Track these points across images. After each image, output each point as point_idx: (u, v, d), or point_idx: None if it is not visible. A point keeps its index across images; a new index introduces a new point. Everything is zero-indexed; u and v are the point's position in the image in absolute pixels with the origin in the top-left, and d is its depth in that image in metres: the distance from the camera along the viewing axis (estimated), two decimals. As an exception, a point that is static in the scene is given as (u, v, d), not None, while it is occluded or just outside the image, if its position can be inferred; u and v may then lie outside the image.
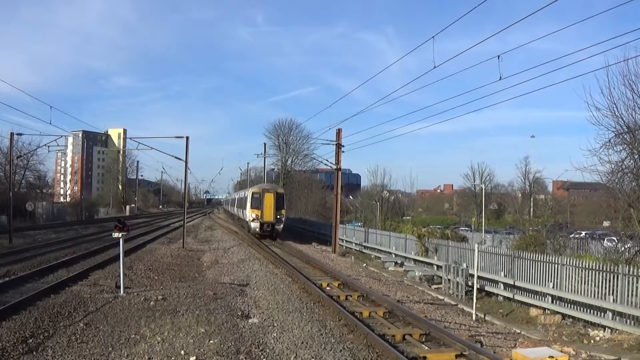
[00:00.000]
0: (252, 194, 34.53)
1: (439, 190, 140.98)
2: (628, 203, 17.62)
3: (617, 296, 13.15)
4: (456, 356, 9.82)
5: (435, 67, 15.66)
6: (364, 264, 26.57)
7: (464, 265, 18.83)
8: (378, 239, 32.31)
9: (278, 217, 34.04)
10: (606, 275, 13.61)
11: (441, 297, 18.07)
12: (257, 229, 33.89)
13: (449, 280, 19.04)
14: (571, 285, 14.73)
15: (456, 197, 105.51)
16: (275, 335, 10.53)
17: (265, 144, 55.17)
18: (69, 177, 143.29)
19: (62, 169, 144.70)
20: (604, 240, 22.88)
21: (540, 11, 13.01)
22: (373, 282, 20.21)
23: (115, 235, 14.86)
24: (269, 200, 33.56)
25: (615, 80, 16.95)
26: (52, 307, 12.19)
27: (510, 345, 11.63)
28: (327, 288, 16.86)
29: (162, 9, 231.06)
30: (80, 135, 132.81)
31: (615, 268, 13.49)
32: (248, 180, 72.14)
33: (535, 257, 16.60)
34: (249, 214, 34.50)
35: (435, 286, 20.19)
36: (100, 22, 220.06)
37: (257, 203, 33.85)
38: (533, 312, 15.23)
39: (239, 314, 12.32)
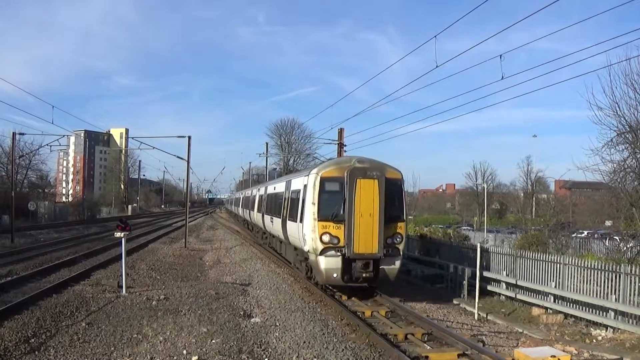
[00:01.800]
0: (322, 180, 14.42)
1: (441, 190, 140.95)
2: (630, 202, 17.59)
3: (619, 295, 13.11)
4: (458, 355, 9.81)
5: (437, 66, 15.55)
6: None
7: (466, 265, 18.80)
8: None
9: (390, 241, 14.33)
10: (608, 274, 13.57)
11: (443, 297, 18.04)
12: (336, 275, 13.97)
13: (450, 279, 19.00)
14: (573, 284, 14.69)
15: (458, 196, 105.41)
16: (277, 334, 10.54)
17: (267, 144, 55.02)
18: (71, 176, 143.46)
19: (64, 169, 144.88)
20: (606, 239, 22.84)
21: (541, 11, 12.98)
22: (375, 281, 20.15)
23: (117, 235, 14.89)
24: (369, 196, 13.87)
25: (617, 79, 16.93)
26: (54, 307, 12.22)
27: (512, 344, 11.61)
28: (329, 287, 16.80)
29: (164, 8, 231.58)
30: (82, 134, 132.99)
31: (618, 267, 13.46)
32: (250, 180, 72.02)
33: (538, 256, 16.57)
34: (311, 233, 14.26)
35: (438, 285, 20.16)
36: (102, 21, 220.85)
37: (334, 206, 14.17)
38: (535, 311, 15.19)
39: (241, 313, 12.34)
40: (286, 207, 18.26)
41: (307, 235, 14.51)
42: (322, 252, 14.08)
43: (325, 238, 14.04)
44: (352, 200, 13.79)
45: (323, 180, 14.45)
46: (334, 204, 14.17)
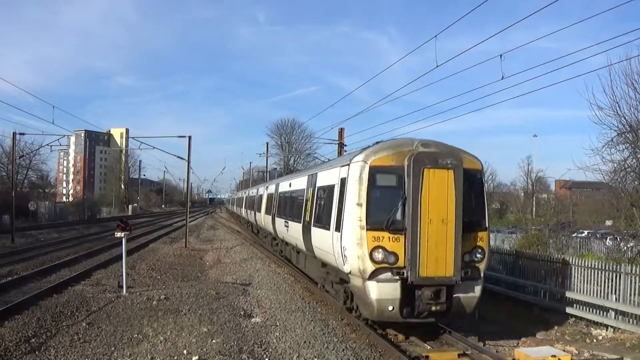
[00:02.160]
0: (372, 172, 10.31)
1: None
2: (630, 202, 17.58)
3: (619, 295, 13.10)
4: (459, 355, 9.82)
5: (437, 66, 15.51)
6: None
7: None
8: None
9: (469, 259, 10.37)
10: (609, 274, 13.57)
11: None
12: (393, 308, 10.01)
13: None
14: (573, 284, 14.69)
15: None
16: (277, 334, 10.54)
17: (267, 144, 55.28)
18: (71, 176, 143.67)
19: (65, 169, 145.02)
20: (606, 239, 22.84)
21: (542, 10, 12.96)
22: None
23: (118, 234, 14.90)
24: (441, 194, 9.86)
25: (617, 79, 16.91)
26: (55, 307, 12.23)
27: (512, 344, 11.60)
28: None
29: (163, 8, 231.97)
30: (82, 134, 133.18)
31: (618, 267, 13.45)
32: (251, 179, 72.03)
33: (538, 256, 16.55)
34: (357, 247, 10.11)
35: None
36: (102, 21, 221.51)
37: (390, 209, 10.09)
38: (536, 311, 15.19)
39: (242, 313, 12.34)
40: (310, 209, 14.29)
41: (349, 250, 10.33)
42: (373, 275, 9.99)
43: (378, 255, 9.93)
44: (418, 200, 9.77)
45: (373, 171, 10.28)
46: (390, 206, 10.11)
